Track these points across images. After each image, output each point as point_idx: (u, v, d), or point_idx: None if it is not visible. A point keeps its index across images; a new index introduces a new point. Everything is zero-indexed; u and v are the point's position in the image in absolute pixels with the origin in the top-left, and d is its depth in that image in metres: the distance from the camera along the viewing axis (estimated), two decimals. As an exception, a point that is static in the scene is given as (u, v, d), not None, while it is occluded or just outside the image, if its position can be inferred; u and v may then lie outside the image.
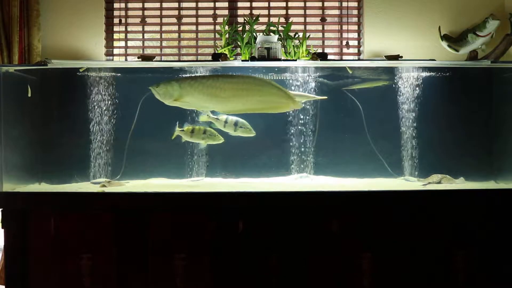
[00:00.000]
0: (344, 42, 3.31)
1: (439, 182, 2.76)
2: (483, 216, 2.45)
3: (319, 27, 3.39)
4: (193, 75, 2.67)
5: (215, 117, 2.80)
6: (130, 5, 3.38)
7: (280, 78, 2.94)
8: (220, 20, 3.30)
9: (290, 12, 3.37)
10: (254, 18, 3.13)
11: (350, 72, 2.84)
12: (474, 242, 2.44)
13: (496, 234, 2.44)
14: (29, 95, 2.73)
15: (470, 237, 2.44)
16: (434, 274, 2.42)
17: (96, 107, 2.90)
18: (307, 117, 2.95)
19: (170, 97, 2.55)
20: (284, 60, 2.86)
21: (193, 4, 3.39)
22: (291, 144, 2.95)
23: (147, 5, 3.39)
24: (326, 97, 2.87)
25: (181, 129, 2.80)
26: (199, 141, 2.83)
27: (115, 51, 3.37)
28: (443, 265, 2.42)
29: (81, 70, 2.83)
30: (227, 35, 3.10)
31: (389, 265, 2.41)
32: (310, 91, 2.91)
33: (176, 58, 3.40)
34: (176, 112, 2.77)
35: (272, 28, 3.09)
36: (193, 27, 3.40)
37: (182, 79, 2.62)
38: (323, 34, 3.39)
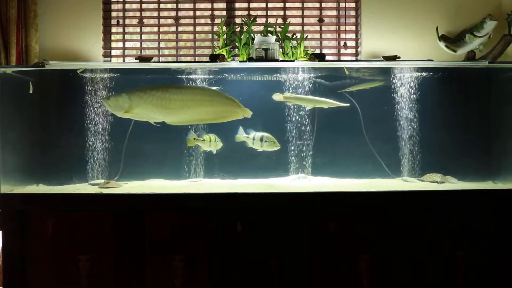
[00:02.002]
0: (342, 43, 3.32)
1: (442, 182, 2.78)
2: (481, 217, 2.45)
3: (317, 28, 3.39)
4: (142, 86, 2.66)
5: (247, 135, 2.83)
6: (127, 6, 3.38)
7: (278, 79, 2.95)
8: (218, 21, 3.30)
9: (288, 13, 3.37)
10: (252, 19, 3.13)
11: (347, 73, 2.85)
12: (472, 243, 2.44)
13: (495, 234, 2.44)
14: (31, 91, 2.73)
15: (469, 237, 2.44)
16: (433, 274, 2.42)
17: (94, 108, 2.90)
18: (305, 118, 2.95)
19: (121, 109, 2.56)
20: (282, 61, 2.86)
21: (190, 5, 3.39)
22: (289, 145, 2.95)
23: (144, 6, 3.39)
24: (348, 105, 2.89)
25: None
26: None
27: (113, 52, 3.37)
28: (442, 265, 2.42)
29: (79, 72, 2.83)
30: (224, 36, 3.10)
31: (388, 265, 2.41)
32: (310, 92, 2.92)
33: (174, 59, 3.39)
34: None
35: (270, 29, 3.09)
36: (191, 28, 3.41)
37: (132, 91, 2.61)
38: (320, 35, 3.39)
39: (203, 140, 2.82)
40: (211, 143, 2.82)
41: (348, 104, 2.89)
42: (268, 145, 2.80)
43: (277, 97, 2.89)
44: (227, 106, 2.62)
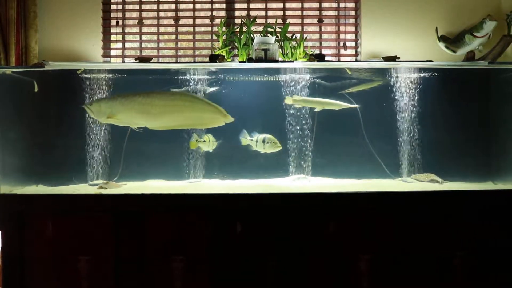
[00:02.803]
0: (341, 43, 3.32)
1: (438, 181, 2.78)
2: (481, 217, 2.45)
3: (317, 28, 3.39)
4: (125, 92, 2.69)
5: (251, 138, 2.84)
6: (127, 6, 3.38)
7: (277, 79, 2.95)
8: (217, 21, 3.30)
9: (288, 13, 3.37)
10: (251, 19, 3.13)
11: (350, 73, 2.85)
12: (472, 243, 2.44)
13: (495, 235, 2.44)
14: (36, 90, 2.74)
15: (469, 238, 2.44)
16: (433, 275, 2.42)
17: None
18: (305, 118, 2.95)
19: (103, 115, 2.59)
20: (281, 61, 2.86)
21: (190, 6, 3.39)
22: (288, 145, 2.95)
23: (144, 6, 3.39)
24: (358, 106, 2.89)
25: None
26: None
27: (112, 52, 3.36)
28: (443, 266, 2.42)
29: (79, 72, 2.83)
30: (224, 36, 3.10)
31: (388, 266, 2.41)
32: (309, 92, 2.92)
33: (174, 59, 3.39)
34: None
35: (269, 29, 3.09)
36: (191, 29, 3.41)
37: (113, 97, 2.66)
38: (320, 35, 3.39)
39: (204, 141, 2.82)
40: (210, 143, 2.83)
41: (358, 106, 2.89)
42: (270, 146, 2.80)
43: (288, 100, 2.90)
44: (209, 112, 2.64)
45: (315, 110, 2.92)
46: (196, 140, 2.82)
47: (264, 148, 2.82)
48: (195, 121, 2.68)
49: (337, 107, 2.88)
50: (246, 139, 2.85)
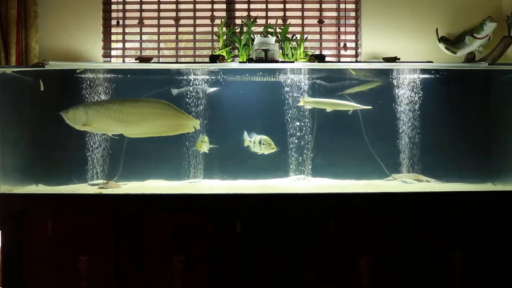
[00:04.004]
0: (341, 44, 3.32)
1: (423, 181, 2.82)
2: (481, 218, 2.45)
3: (317, 29, 3.39)
4: (100, 100, 2.78)
5: (250, 139, 2.87)
6: (127, 6, 3.38)
7: (277, 79, 2.95)
8: (218, 21, 3.30)
9: (288, 14, 3.37)
10: (251, 19, 3.13)
11: (354, 73, 2.86)
12: (472, 244, 2.44)
13: (494, 236, 2.44)
14: (42, 89, 2.74)
15: (468, 238, 2.44)
16: (432, 275, 2.42)
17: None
18: (305, 119, 2.95)
19: (79, 123, 2.62)
20: (281, 62, 2.86)
21: (190, 6, 3.39)
22: (288, 146, 2.95)
23: (144, 6, 3.39)
24: (370, 107, 2.89)
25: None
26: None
27: (113, 52, 3.36)
28: (442, 266, 2.42)
29: (78, 72, 2.84)
30: (224, 37, 3.10)
31: (388, 266, 2.41)
32: (308, 92, 2.92)
33: (174, 59, 3.39)
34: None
35: (269, 29, 3.09)
36: (191, 29, 3.41)
37: (89, 104, 2.71)
38: (320, 36, 3.39)
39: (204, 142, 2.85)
40: (206, 144, 2.85)
41: (370, 107, 2.90)
42: (265, 148, 2.81)
43: (301, 102, 2.91)
44: (179, 119, 2.72)
45: (327, 111, 2.92)
46: (202, 141, 2.83)
47: (260, 150, 2.84)
48: (167, 128, 2.74)
49: (350, 108, 2.89)
50: (247, 140, 2.87)
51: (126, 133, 2.70)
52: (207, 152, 2.88)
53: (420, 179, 2.86)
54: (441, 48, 3.14)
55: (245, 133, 2.87)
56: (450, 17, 3.21)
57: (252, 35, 3.05)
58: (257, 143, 2.82)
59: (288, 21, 3.27)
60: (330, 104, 2.91)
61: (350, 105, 2.89)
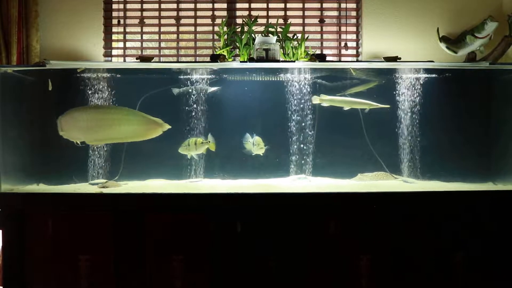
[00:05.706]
0: (342, 44, 3.32)
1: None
2: (481, 217, 2.45)
3: (318, 29, 3.39)
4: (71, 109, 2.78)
5: (247, 141, 2.89)
6: (128, 6, 3.38)
7: (278, 79, 2.95)
8: (218, 21, 3.30)
9: (289, 13, 3.37)
10: (252, 19, 3.13)
11: (354, 73, 2.86)
12: (472, 243, 2.44)
13: (495, 235, 2.44)
14: (50, 88, 2.76)
15: (469, 238, 2.44)
16: (432, 275, 2.42)
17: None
18: (305, 119, 2.95)
19: (60, 131, 2.70)
20: (282, 61, 2.86)
21: (191, 5, 3.39)
22: (289, 145, 2.95)
23: (145, 6, 3.39)
24: (389, 106, 2.89)
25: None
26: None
27: (114, 51, 3.36)
28: (442, 266, 2.42)
29: (79, 71, 2.84)
30: (225, 36, 3.10)
31: (387, 266, 2.41)
32: (308, 93, 2.92)
33: (175, 59, 3.39)
34: (174, 112, 2.82)
35: (270, 29, 3.09)
36: (192, 28, 3.40)
37: (64, 114, 2.72)
38: (321, 36, 3.39)
39: (209, 142, 2.86)
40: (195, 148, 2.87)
41: (388, 106, 2.89)
42: (256, 148, 2.83)
43: (315, 100, 2.92)
44: (146, 124, 2.74)
45: (344, 109, 2.92)
46: (202, 142, 2.84)
47: (254, 150, 2.86)
48: (133, 133, 2.77)
49: (367, 107, 2.88)
50: (248, 141, 2.89)
51: (88, 140, 2.72)
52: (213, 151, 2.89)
53: (387, 178, 2.85)
54: (442, 47, 3.14)
55: (247, 135, 2.88)
56: (451, 16, 3.21)
57: (253, 35, 3.05)
58: (252, 144, 2.85)
59: (289, 21, 3.26)
60: (347, 102, 2.91)
61: (367, 104, 2.89)
